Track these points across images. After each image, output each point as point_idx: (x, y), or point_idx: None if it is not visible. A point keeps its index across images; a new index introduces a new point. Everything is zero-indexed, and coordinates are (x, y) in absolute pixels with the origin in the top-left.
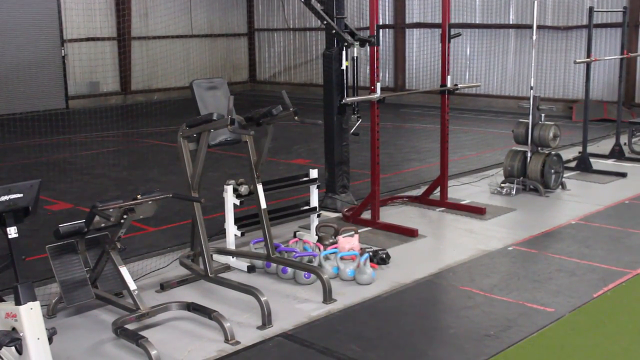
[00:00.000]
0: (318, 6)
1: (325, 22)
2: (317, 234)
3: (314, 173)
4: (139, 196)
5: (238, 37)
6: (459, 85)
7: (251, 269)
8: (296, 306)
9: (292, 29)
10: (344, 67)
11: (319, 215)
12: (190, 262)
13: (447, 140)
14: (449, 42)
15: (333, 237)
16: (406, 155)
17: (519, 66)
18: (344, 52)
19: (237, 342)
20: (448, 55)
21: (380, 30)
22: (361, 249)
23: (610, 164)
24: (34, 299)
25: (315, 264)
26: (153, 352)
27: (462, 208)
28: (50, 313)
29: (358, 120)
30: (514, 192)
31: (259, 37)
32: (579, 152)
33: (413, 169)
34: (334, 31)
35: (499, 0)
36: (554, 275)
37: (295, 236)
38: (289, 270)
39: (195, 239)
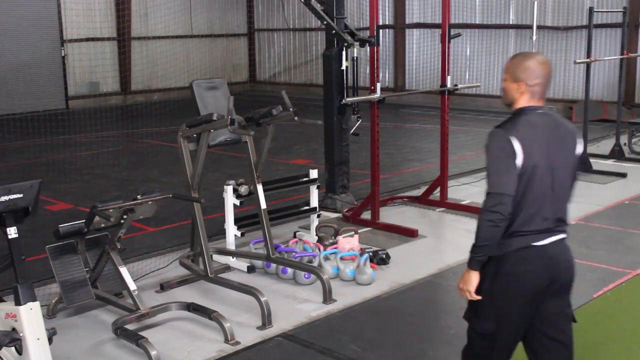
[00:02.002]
0: (318, 6)
1: (325, 23)
2: (317, 234)
3: (314, 173)
4: (138, 196)
5: (238, 37)
6: (459, 86)
7: (251, 269)
8: (296, 306)
9: (292, 29)
10: (344, 67)
11: (319, 216)
12: (190, 262)
13: (447, 140)
14: (449, 42)
15: (333, 238)
16: (406, 155)
17: None
18: (344, 53)
19: (237, 343)
20: (448, 55)
21: (380, 31)
22: (361, 249)
23: (610, 164)
24: (34, 299)
25: (315, 264)
26: (153, 353)
27: (462, 208)
28: (50, 313)
29: (358, 121)
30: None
31: (259, 37)
32: None
33: (413, 169)
34: (334, 31)
35: (499, 0)
36: None
37: (295, 236)
38: (289, 270)
39: (195, 239)
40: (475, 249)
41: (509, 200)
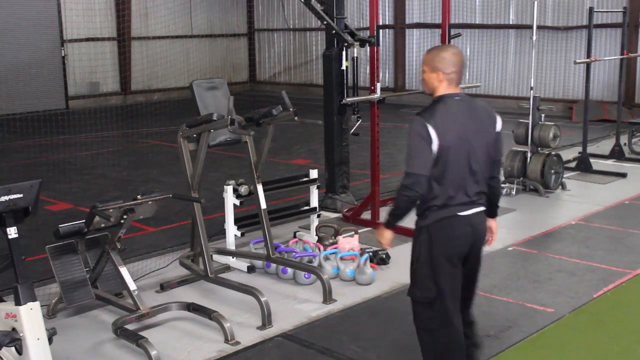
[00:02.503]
0: (318, 6)
1: (325, 23)
2: (317, 234)
3: (314, 173)
4: (139, 196)
5: (238, 37)
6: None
7: (251, 269)
8: (296, 306)
9: (292, 29)
10: (344, 67)
11: (319, 216)
12: (190, 262)
13: None
14: (449, 42)
15: (333, 238)
16: None
17: (519, 66)
18: (344, 53)
19: (237, 343)
20: None
21: (380, 31)
22: (361, 249)
23: (610, 164)
24: (34, 299)
25: (315, 264)
26: (153, 353)
27: None
28: (50, 313)
29: (358, 121)
30: (514, 192)
31: (259, 37)
32: (579, 153)
33: None
34: (334, 31)
35: (499, 0)
36: (554, 275)
37: (295, 236)
38: (289, 270)
39: (195, 239)
40: (392, 215)
41: (424, 180)
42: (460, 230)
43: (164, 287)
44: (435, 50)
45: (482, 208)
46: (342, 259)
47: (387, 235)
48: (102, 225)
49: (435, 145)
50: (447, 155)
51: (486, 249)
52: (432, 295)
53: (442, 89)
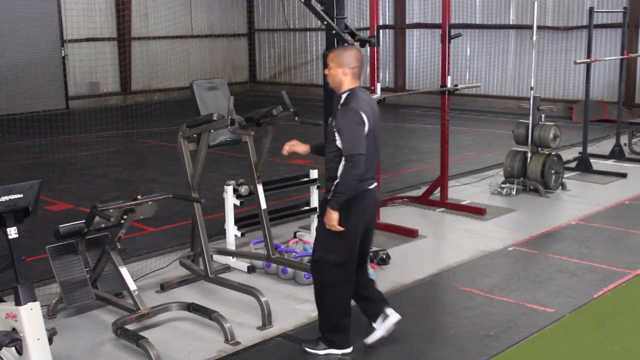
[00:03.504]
0: (318, 6)
1: (325, 23)
2: None
3: (314, 173)
4: (139, 196)
5: (238, 37)
6: (459, 86)
7: (251, 270)
8: (296, 306)
9: (292, 29)
10: None
11: (319, 216)
12: (190, 263)
13: (447, 140)
14: (449, 42)
15: None
16: (406, 155)
17: (519, 67)
18: None
19: (237, 343)
20: (448, 55)
21: (381, 31)
22: None
23: (610, 165)
24: (34, 300)
25: None
26: (153, 353)
27: (462, 208)
28: (50, 313)
29: None
30: (514, 192)
31: (259, 38)
32: (579, 153)
33: (413, 169)
34: (334, 32)
35: (499, 1)
36: (554, 275)
37: (295, 236)
38: (289, 270)
39: (196, 239)
40: (338, 195)
41: (364, 159)
42: (369, 202)
43: (164, 287)
44: (340, 49)
45: (376, 183)
46: None
47: (335, 217)
48: (103, 225)
49: (366, 129)
50: (369, 137)
51: (486, 248)
52: (344, 257)
53: (348, 82)
